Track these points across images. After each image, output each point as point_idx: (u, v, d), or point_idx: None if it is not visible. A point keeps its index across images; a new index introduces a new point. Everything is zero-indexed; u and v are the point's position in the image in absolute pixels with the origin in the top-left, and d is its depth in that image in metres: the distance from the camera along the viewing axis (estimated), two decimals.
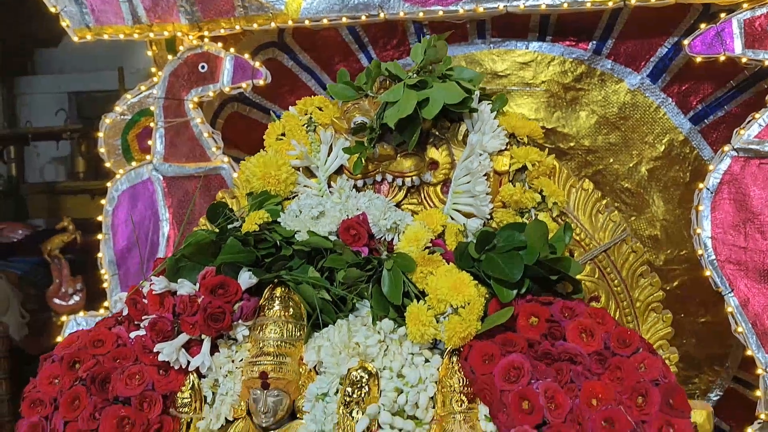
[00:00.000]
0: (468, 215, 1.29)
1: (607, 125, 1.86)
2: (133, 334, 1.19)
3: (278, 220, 1.25)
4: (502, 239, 1.15)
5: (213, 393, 1.17)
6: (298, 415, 1.15)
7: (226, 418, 1.16)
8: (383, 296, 1.14)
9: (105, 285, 2.08)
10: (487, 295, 1.13)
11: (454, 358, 1.11)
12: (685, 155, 1.83)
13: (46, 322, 3.13)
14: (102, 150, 2.22)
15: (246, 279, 1.17)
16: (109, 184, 2.15)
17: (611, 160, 1.89)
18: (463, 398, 1.09)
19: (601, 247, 1.28)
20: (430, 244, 1.19)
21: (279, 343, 1.14)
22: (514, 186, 1.27)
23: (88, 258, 3.00)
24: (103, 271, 2.10)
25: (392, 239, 1.23)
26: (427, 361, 1.13)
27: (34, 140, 3.97)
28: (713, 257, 1.57)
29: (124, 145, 2.21)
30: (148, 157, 2.07)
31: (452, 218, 1.28)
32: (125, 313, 1.24)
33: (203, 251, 1.20)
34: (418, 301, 1.13)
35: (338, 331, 1.13)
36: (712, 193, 1.59)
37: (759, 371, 1.54)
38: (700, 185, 1.59)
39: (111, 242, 2.13)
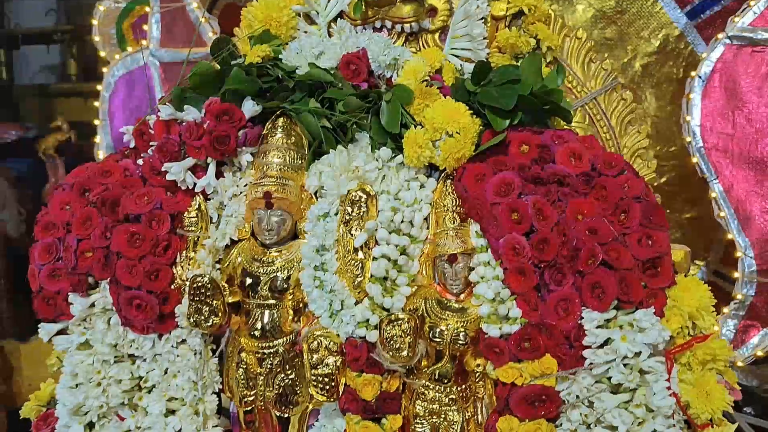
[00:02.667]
0: (465, 60, 1.32)
1: (604, 19, 1.85)
2: (140, 161, 1.23)
3: (280, 56, 1.28)
4: (498, 74, 1.20)
5: (218, 215, 1.21)
6: (299, 237, 1.21)
7: (231, 238, 1.21)
8: (382, 127, 1.19)
9: None
10: (481, 126, 1.18)
11: (448, 182, 1.16)
12: (680, 51, 1.83)
13: None
14: (96, 38, 2.22)
15: (250, 107, 1.20)
16: (104, 70, 2.16)
17: (606, 55, 1.90)
18: (456, 216, 1.14)
19: (591, 94, 1.32)
20: (428, 78, 1.23)
21: (282, 167, 1.18)
22: (510, 30, 1.31)
23: (82, 158, 3.01)
24: (101, 157, 2.13)
25: (391, 76, 1.26)
26: (422, 186, 1.18)
27: (24, 43, 3.88)
28: (701, 144, 1.60)
29: (118, 34, 2.21)
30: (144, 42, 2.08)
31: None
32: (132, 146, 1.28)
33: (208, 83, 1.23)
34: None
35: (338, 156, 1.17)
36: (703, 81, 1.60)
37: (738, 254, 1.60)
38: (692, 73, 1.60)
39: (108, 128, 2.16)
